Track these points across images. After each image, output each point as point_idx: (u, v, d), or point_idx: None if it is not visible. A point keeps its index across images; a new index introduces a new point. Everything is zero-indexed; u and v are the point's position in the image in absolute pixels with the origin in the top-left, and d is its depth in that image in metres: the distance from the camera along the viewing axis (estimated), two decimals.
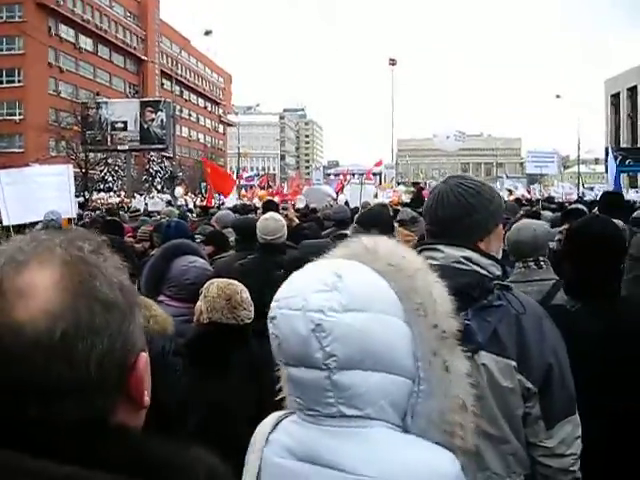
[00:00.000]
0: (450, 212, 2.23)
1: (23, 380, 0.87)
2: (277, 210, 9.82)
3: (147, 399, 1.00)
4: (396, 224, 5.76)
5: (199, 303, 3.48)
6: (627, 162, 31.91)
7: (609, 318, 2.89)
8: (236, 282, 3.57)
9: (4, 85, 64.10)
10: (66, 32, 70.40)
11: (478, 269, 2.15)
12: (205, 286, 3.53)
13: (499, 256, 2.35)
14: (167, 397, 3.01)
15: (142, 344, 0.99)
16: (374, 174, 71.72)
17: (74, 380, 0.88)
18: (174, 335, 3.21)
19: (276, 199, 30.46)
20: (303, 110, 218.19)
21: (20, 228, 9.97)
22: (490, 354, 2.05)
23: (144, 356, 0.98)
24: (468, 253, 2.17)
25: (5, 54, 64.35)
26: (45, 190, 10.08)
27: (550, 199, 18.82)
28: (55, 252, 0.93)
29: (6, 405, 0.89)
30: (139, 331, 0.99)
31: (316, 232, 6.34)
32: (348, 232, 6.03)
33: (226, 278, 3.73)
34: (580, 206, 9.11)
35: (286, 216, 7.34)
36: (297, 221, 8.64)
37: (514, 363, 2.05)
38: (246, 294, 3.50)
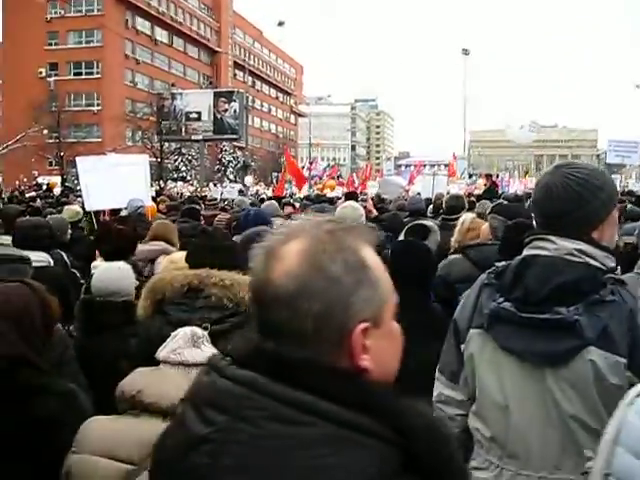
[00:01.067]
0: (560, 205, 2.16)
1: (268, 321, 1.18)
2: (356, 198, 9.84)
3: (364, 363, 1.17)
4: (474, 215, 5.67)
5: None
6: None
7: None
8: None
9: (83, 77, 65.83)
10: (142, 24, 71.92)
11: (591, 261, 2.11)
12: None
13: (614, 244, 2.29)
14: None
15: (367, 315, 1.17)
16: (445, 165, 71.00)
17: (296, 328, 1.15)
18: None
19: (345, 190, 30.63)
20: (374, 100, 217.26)
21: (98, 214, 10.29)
22: (599, 350, 2.00)
23: (363, 325, 1.16)
24: (581, 245, 2.12)
25: (84, 47, 66.11)
26: (123, 179, 10.32)
27: (630, 193, 18.23)
28: (309, 231, 1.21)
29: (257, 338, 1.20)
30: (363, 304, 1.17)
31: (393, 223, 6.29)
32: (426, 222, 6.00)
33: None
34: None
35: (365, 207, 7.30)
36: (375, 212, 8.61)
37: (624, 360, 1.99)
38: None
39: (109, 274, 3.97)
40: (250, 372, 1.14)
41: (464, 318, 2.29)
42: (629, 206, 8.80)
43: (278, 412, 1.09)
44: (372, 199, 9.96)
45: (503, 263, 2.29)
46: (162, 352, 2.35)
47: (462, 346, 2.28)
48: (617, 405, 1.96)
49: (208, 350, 2.41)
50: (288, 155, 29.90)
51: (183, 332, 2.40)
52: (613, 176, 28.37)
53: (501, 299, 2.15)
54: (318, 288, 1.14)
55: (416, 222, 5.88)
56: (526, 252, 2.22)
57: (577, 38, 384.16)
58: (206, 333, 2.50)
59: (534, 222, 2.34)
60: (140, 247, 5.71)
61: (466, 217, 5.09)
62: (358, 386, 1.13)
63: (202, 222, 9.07)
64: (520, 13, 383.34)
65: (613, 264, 2.16)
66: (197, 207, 10.28)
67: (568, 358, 2.02)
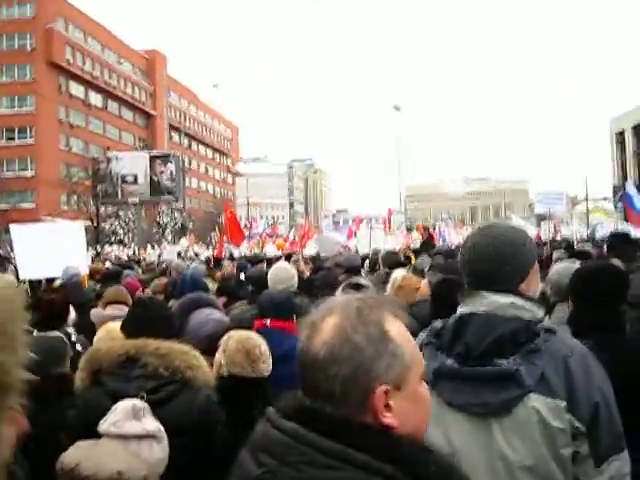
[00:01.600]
0: (489, 264, 2.29)
1: (308, 382, 1.42)
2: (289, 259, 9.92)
3: (386, 420, 1.38)
4: (407, 271, 5.81)
5: (218, 356, 3.50)
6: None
7: (615, 349, 3.00)
8: (254, 335, 3.60)
9: (16, 142, 65.01)
10: (76, 89, 71.71)
11: (523, 313, 2.22)
12: (223, 339, 3.55)
13: (537, 294, 2.43)
14: (216, 444, 3.09)
15: (388, 379, 1.39)
16: (385, 220, 71.67)
17: (328, 389, 1.38)
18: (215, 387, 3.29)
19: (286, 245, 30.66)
20: (311, 160, 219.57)
21: (35, 283, 10.10)
22: (540, 396, 2.10)
23: (383, 388, 1.38)
24: (512, 299, 2.24)
25: (16, 112, 65.43)
26: (58, 247, 10.15)
27: (562, 241, 18.84)
28: (342, 307, 1.46)
29: (300, 396, 1.44)
30: (384, 369, 1.39)
31: (327, 281, 6.38)
32: (361, 280, 6.10)
33: (242, 329, 3.75)
34: (587, 248, 9.20)
35: (297, 268, 7.38)
36: (307, 273, 8.69)
37: (563, 403, 2.09)
38: (264, 347, 3.53)
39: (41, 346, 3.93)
40: (294, 424, 1.38)
41: None
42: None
43: (315, 459, 1.33)
44: (304, 259, 10.02)
45: (439, 322, 2.39)
46: (103, 425, 2.38)
47: None
48: (560, 448, 2.08)
49: (149, 422, 2.45)
50: (227, 208, 29.79)
51: (123, 405, 2.43)
52: (543, 223, 28.75)
53: (442, 356, 2.25)
54: (345, 356, 1.38)
55: (352, 280, 5.99)
56: (461, 309, 2.32)
57: (504, 93, 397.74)
58: (146, 404, 2.54)
59: (464, 280, 2.43)
60: (98, 311, 5.70)
61: (397, 275, 5.20)
62: (381, 439, 1.36)
63: (140, 287, 9.04)
64: (449, 70, 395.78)
65: (542, 314, 2.29)
66: (120, 270, 10.26)
67: (511, 406, 2.11)
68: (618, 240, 6.88)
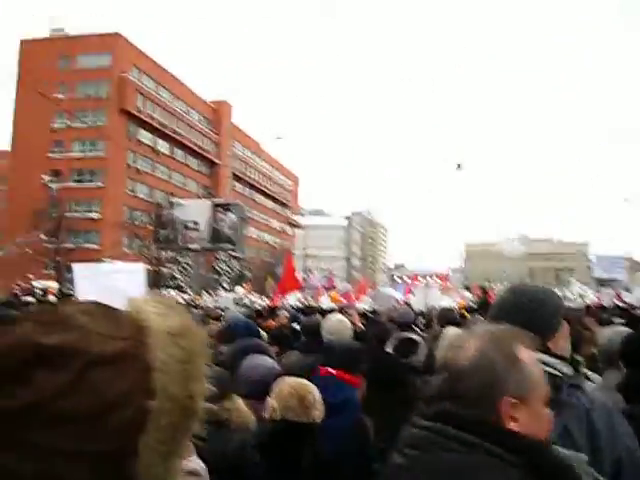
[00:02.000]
0: (512, 318, 2.31)
1: (452, 387, 1.70)
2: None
3: (512, 427, 1.63)
4: (457, 330, 5.81)
5: (271, 400, 3.55)
6: None
7: None
8: (307, 382, 3.65)
9: (85, 185, 67.06)
10: (144, 136, 73.87)
11: (549, 369, 2.26)
12: (277, 384, 3.61)
13: (568, 353, 2.46)
14: None
15: (515, 393, 1.65)
16: (442, 277, 71.21)
17: (465, 394, 1.66)
18: (255, 431, 3.37)
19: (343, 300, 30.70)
20: (369, 213, 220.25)
21: None
22: (562, 449, 2.06)
23: (510, 399, 1.64)
24: (537, 355, 2.30)
25: (89, 156, 67.66)
26: (119, 286, 10.49)
27: (623, 308, 18.36)
28: (483, 333, 1.79)
29: (436, 400, 1.72)
30: (512, 384, 1.66)
31: (379, 335, 6.41)
32: (413, 336, 6.13)
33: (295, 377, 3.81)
34: None
35: (350, 319, 7.44)
36: (361, 326, 8.73)
37: (586, 458, 2.07)
38: (317, 394, 3.57)
39: None
40: (433, 422, 1.65)
41: None
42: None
43: (451, 446, 1.59)
44: (358, 312, 10.08)
45: None
46: None
47: None
48: None
49: (194, 460, 2.57)
50: (289, 256, 30.27)
51: None
52: (604, 289, 28.00)
53: None
54: (482, 368, 1.67)
55: (403, 335, 6.02)
56: None
57: (569, 153, 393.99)
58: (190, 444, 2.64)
59: None
60: None
61: (447, 332, 5.19)
62: (511, 436, 1.62)
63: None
64: (513, 128, 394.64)
65: (570, 371, 2.33)
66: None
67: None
68: None
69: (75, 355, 0.88)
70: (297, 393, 3.51)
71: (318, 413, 3.52)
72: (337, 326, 5.26)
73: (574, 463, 1.76)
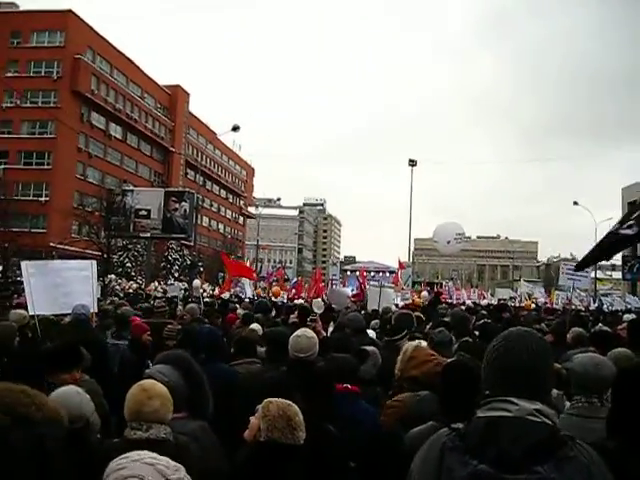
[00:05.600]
0: (521, 375, 2.33)
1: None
2: (308, 315, 9.94)
3: None
4: (423, 342, 5.76)
5: (255, 420, 3.52)
6: None
7: None
8: (293, 404, 3.62)
9: (33, 167, 65.64)
10: (97, 119, 72.65)
11: (547, 420, 2.25)
12: (264, 404, 3.57)
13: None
14: None
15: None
16: (390, 272, 71.80)
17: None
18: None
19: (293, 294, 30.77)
20: (322, 205, 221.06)
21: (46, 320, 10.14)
22: None
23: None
24: (539, 406, 2.27)
25: (37, 137, 66.22)
26: (70, 284, 10.31)
27: (573, 311, 18.75)
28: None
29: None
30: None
31: (340, 345, 6.36)
32: (368, 348, 6.16)
33: (256, 389, 3.83)
34: (603, 328, 9.18)
35: (314, 328, 7.39)
36: (324, 333, 8.72)
37: None
38: (301, 416, 3.56)
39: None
40: None
41: None
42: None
43: None
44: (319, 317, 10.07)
45: (460, 425, 2.37)
46: None
47: None
48: None
49: None
50: (224, 255, 30.29)
51: None
52: (559, 292, 28.46)
53: (474, 461, 2.21)
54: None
55: (361, 348, 6.10)
56: (487, 413, 2.30)
57: (521, 151, 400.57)
58: None
59: (487, 383, 2.42)
60: None
61: (409, 346, 5.14)
62: None
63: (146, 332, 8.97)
64: (466, 126, 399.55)
65: (557, 420, 2.33)
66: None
67: None
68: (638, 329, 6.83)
69: None
70: (285, 414, 3.49)
71: (302, 434, 3.51)
72: (307, 344, 5.20)
73: None
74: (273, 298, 28.54)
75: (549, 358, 2.43)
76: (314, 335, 5.36)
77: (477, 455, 2.22)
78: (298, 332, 5.32)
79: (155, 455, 2.02)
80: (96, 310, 10.92)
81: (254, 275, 24.65)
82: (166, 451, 3.28)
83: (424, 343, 5.78)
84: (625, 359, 4.80)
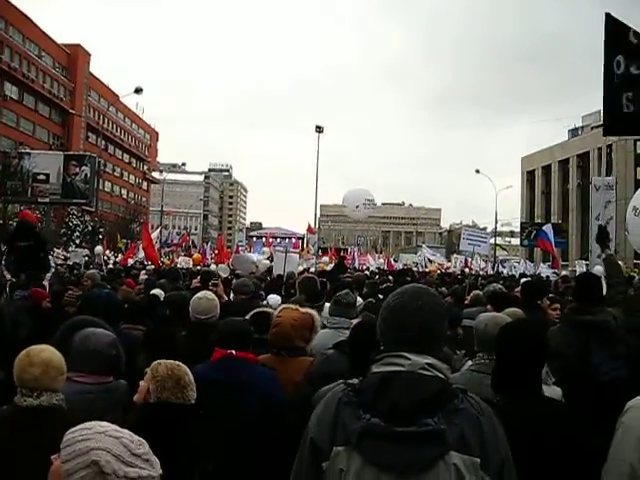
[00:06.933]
0: (413, 330, 2.39)
1: None
2: (210, 280, 9.87)
3: None
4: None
5: (144, 383, 3.50)
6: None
7: (525, 415, 3.15)
8: (181, 364, 3.61)
9: None
10: None
11: (439, 374, 2.33)
12: (152, 366, 3.54)
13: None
14: None
15: None
16: (298, 238, 72.05)
17: None
18: None
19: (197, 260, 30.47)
20: (228, 171, 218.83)
21: None
22: (459, 454, 2.18)
23: None
24: (431, 360, 2.34)
25: None
26: None
27: (471, 275, 19.39)
28: None
29: None
30: None
31: (241, 308, 6.36)
32: (267, 310, 6.16)
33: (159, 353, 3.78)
34: (498, 287, 9.56)
35: (216, 292, 7.35)
36: (226, 297, 8.69)
37: (479, 460, 2.19)
38: (191, 376, 3.56)
39: None
40: None
41: (324, 436, 2.35)
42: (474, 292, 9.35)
43: None
44: (222, 281, 9.99)
45: (355, 380, 2.42)
46: None
47: (323, 464, 2.32)
48: None
49: None
50: (146, 227, 29.79)
51: None
52: (457, 256, 29.57)
53: (367, 415, 2.25)
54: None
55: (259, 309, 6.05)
56: (383, 368, 2.36)
57: (427, 122, 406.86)
58: None
59: (383, 338, 2.48)
60: None
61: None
62: None
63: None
64: (374, 91, 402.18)
65: (450, 375, 2.44)
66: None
67: (434, 464, 2.17)
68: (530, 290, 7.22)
69: None
70: (174, 374, 3.48)
71: (192, 394, 3.50)
72: (208, 306, 5.17)
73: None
74: (187, 265, 28.08)
75: (442, 314, 2.49)
76: (215, 298, 5.35)
77: (370, 409, 2.27)
78: (199, 294, 5.31)
79: (117, 427, 1.95)
80: None
81: (158, 262, 24.23)
82: (57, 418, 3.25)
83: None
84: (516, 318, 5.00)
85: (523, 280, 15.03)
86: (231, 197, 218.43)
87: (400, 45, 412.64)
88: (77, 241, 61.50)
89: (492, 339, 3.90)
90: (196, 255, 32.14)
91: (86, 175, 47.52)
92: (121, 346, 4.34)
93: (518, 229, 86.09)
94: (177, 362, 3.63)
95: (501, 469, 2.25)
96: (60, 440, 1.92)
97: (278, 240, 59.01)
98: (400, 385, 2.27)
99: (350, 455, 2.27)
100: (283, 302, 9.45)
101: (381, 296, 9.38)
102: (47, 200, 48.09)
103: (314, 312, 5.36)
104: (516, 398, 3.25)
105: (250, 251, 36.86)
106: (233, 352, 4.39)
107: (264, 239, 46.36)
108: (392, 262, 44.26)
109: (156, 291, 9.54)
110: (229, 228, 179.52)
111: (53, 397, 3.42)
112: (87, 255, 30.77)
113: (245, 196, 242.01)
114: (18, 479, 2.93)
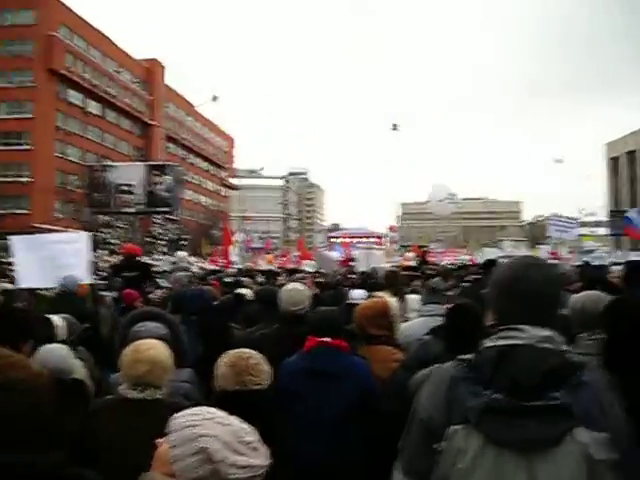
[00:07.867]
0: (536, 301, 2.29)
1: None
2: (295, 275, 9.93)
3: None
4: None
5: (215, 371, 3.53)
6: None
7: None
8: (248, 350, 3.57)
9: (13, 148, 64.82)
10: (74, 96, 71.62)
11: (558, 346, 2.23)
12: (222, 356, 3.57)
13: None
14: None
15: None
16: (378, 237, 71.94)
17: None
18: None
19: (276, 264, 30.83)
20: (305, 174, 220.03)
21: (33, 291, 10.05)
22: (585, 430, 2.09)
23: None
24: (549, 332, 2.23)
25: (15, 118, 65.22)
26: (60, 257, 10.07)
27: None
28: None
29: None
30: None
31: (334, 301, 6.38)
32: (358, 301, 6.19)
33: (244, 347, 3.73)
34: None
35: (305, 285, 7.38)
36: (317, 290, 8.72)
37: (606, 435, 2.10)
38: (254, 360, 3.49)
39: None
40: None
41: (438, 416, 2.26)
42: None
43: None
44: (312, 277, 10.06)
45: (469, 355, 2.32)
46: None
47: (438, 445, 2.22)
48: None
49: None
50: (227, 228, 30.47)
51: None
52: (542, 246, 28.81)
53: (488, 391, 2.17)
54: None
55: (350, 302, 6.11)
56: (497, 342, 2.26)
57: (505, 114, 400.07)
58: None
59: (497, 312, 2.39)
60: None
61: (410, 300, 5.21)
62: None
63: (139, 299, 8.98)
64: (450, 88, 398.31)
65: (567, 348, 2.29)
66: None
67: (561, 441, 2.08)
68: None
69: None
70: (229, 361, 3.46)
71: (251, 378, 3.41)
72: (298, 297, 5.18)
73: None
74: (262, 267, 28.58)
75: (557, 284, 2.40)
76: (305, 288, 5.36)
77: (489, 384, 2.17)
78: (288, 286, 5.32)
79: (225, 414, 1.92)
80: (91, 281, 10.73)
81: (232, 240, 25.18)
82: (161, 405, 3.28)
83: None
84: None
85: (614, 268, 14.56)
86: (309, 199, 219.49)
87: (474, 34, 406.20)
88: (164, 249, 62.97)
89: (592, 317, 3.78)
90: (269, 256, 32.80)
91: (168, 184, 48.47)
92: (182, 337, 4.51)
93: (604, 218, 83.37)
94: (242, 349, 3.60)
95: (628, 444, 2.15)
96: (163, 426, 1.90)
97: (355, 240, 59.13)
98: (520, 359, 2.17)
99: (469, 433, 2.17)
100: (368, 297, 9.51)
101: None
102: (133, 210, 49.26)
103: (389, 299, 5.32)
104: (632, 376, 3.09)
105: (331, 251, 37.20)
106: (328, 340, 4.37)
107: (340, 239, 46.57)
108: (476, 258, 43.55)
109: (242, 290, 9.66)
110: (308, 230, 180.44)
111: (157, 393, 3.42)
112: (174, 262, 31.42)
113: (323, 197, 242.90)
114: (121, 462, 2.93)
